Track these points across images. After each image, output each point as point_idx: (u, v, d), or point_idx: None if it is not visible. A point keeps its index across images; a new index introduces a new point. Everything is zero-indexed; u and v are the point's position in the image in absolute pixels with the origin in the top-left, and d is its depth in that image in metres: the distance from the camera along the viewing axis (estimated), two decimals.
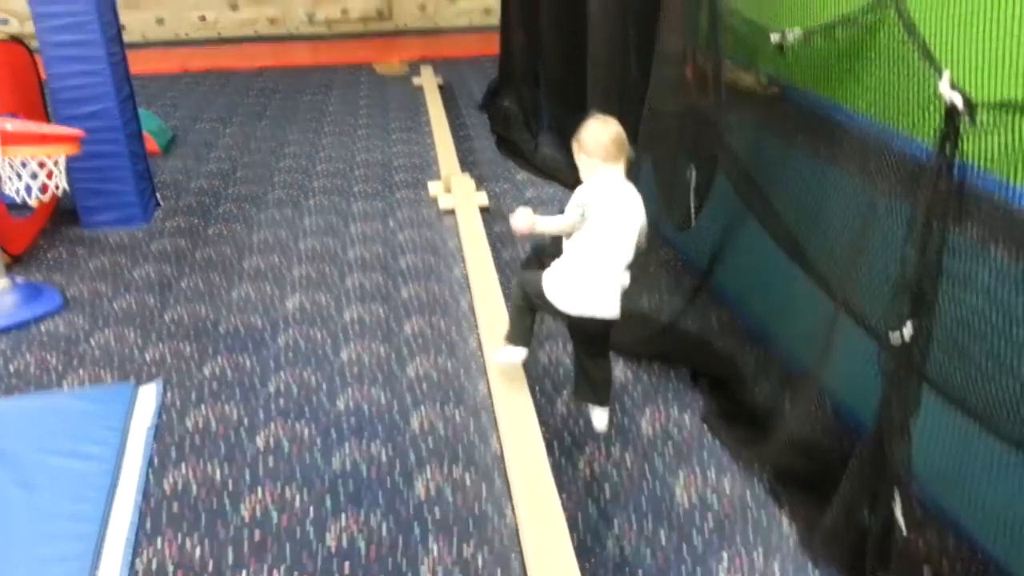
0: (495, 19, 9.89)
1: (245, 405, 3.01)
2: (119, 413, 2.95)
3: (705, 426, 2.78)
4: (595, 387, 2.68)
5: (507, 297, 3.52)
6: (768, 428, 2.63)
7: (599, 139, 2.52)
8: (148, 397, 3.08)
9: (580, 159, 2.59)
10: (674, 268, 3.69)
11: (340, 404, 2.99)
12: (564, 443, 2.74)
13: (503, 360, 2.82)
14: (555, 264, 2.58)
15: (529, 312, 2.72)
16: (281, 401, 3.02)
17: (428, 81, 7.32)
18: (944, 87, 1.60)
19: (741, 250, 2.94)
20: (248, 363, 3.27)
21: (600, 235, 2.48)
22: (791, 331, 2.83)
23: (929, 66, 1.66)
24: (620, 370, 3.13)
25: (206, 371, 3.23)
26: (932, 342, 1.78)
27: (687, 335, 3.20)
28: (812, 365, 2.36)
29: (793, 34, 2.14)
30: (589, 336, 2.62)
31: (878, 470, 1.95)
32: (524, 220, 2.54)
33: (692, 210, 2.88)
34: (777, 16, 2.41)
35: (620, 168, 2.54)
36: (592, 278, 2.49)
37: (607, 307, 2.51)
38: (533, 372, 3.12)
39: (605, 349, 2.67)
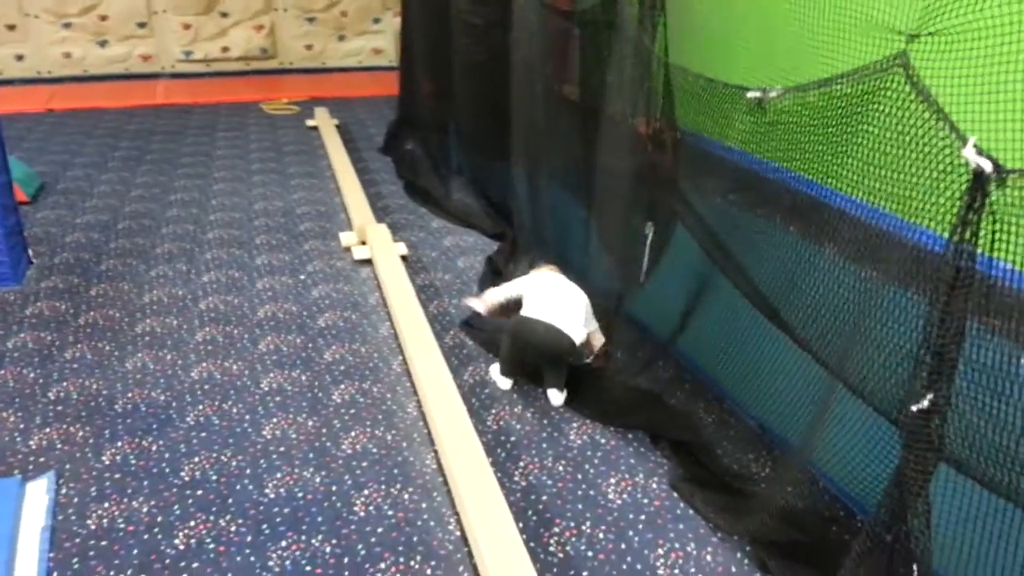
0: (386, 59, 9.75)
1: (156, 498, 2.63)
2: (5, 516, 2.51)
3: (675, 493, 2.63)
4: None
5: (446, 353, 3.31)
6: (743, 495, 2.51)
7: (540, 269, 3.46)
8: (38, 494, 2.64)
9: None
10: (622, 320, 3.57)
11: (269, 491, 2.66)
12: (529, 521, 2.53)
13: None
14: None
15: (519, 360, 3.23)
16: (199, 491, 2.66)
17: (324, 123, 7.00)
18: (969, 152, 1.52)
19: (703, 310, 2.84)
20: (154, 447, 2.88)
21: (544, 295, 3.18)
22: (758, 394, 2.74)
23: (948, 133, 1.59)
24: (575, 435, 2.95)
25: (105, 459, 2.81)
26: (950, 415, 1.69)
27: (640, 393, 3.06)
28: (799, 436, 2.26)
29: (776, 91, 2.05)
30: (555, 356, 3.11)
31: (891, 546, 1.84)
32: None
33: (645, 266, 2.76)
34: (748, 75, 2.34)
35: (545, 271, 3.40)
36: (554, 312, 3.11)
37: (572, 329, 3.07)
38: (483, 439, 2.90)
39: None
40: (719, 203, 2.63)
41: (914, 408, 1.71)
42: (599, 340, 3.30)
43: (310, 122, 7.26)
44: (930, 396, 1.70)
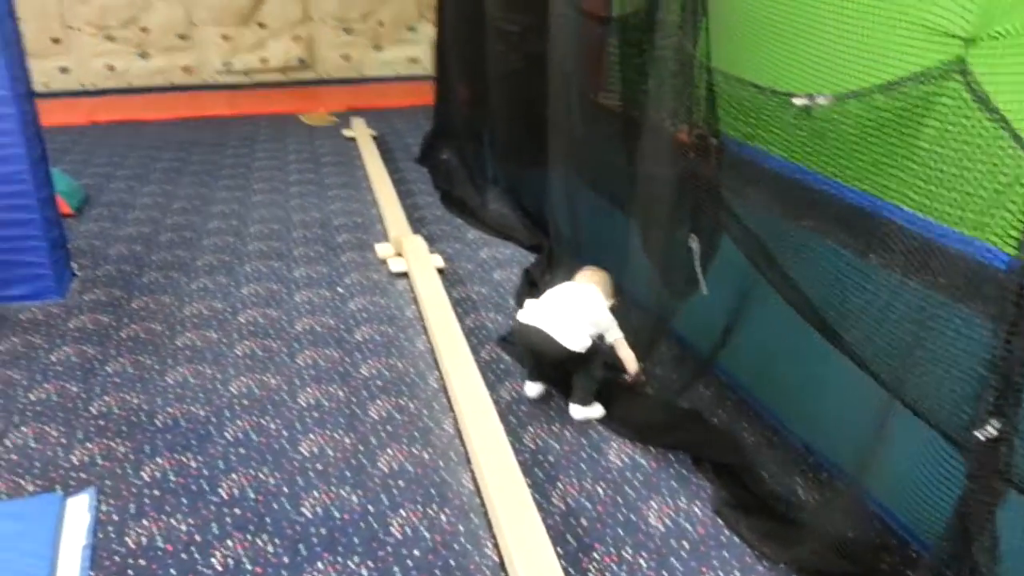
0: (422, 68, 9.77)
1: (195, 516, 2.62)
2: (46, 532, 2.51)
3: (719, 519, 2.56)
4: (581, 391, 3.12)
5: (482, 368, 3.28)
6: (790, 522, 2.43)
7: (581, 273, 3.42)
8: (79, 510, 2.65)
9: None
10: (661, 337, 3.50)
11: (306, 510, 2.64)
12: (568, 546, 2.47)
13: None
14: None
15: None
16: (236, 509, 2.65)
17: (362, 133, 7.03)
18: None
19: (747, 324, 2.76)
20: (193, 463, 2.88)
21: (546, 301, 3.17)
22: (805, 413, 2.66)
23: (1011, 142, 1.51)
24: (615, 455, 2.89)
25: (144, 475, 2.82)
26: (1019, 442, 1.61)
27: (682, 412, 2.99)
28: (849, 459, 2.18)
29: (824, 98, 1.98)
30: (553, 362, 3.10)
31: None
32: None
33: (701, 278, 2.69)
34: (790, 80, 2.27)
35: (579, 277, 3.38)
36: (547, 318, 3.06)
37: (566, 338, 2.99)
38: (520, 458, 2.85)
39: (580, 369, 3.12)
40: (765, 213, 2.55)
41: (979, 435, 1.63)
42: (628, 355, 3.18)
43: (347, 132, 7.29)
44: (997, 422, 1.61)
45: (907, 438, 2.01)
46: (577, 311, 3.08)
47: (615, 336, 3.17)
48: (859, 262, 2.14)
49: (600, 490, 2.71)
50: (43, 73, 8.93)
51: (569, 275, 3.68)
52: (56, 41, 8.93)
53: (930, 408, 1.81)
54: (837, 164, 2.21)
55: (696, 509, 2.61)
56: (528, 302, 3.21)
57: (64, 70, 9.04)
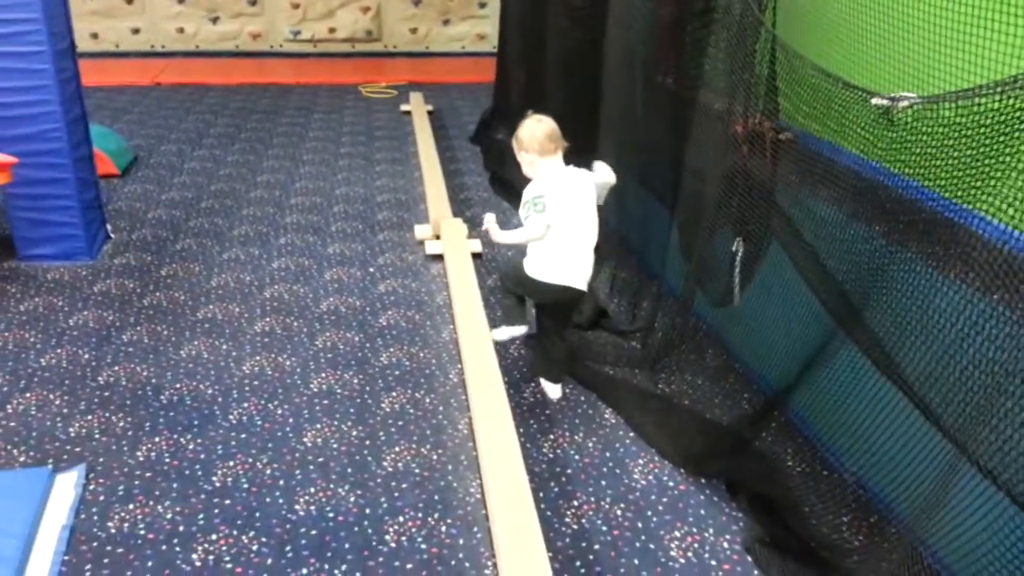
0: (489, 45, 9.52)
1: (183, 503, 2.46)
2: (27, 510, 2.38)
3: (749, 557, 2.26)
4: (551, 364, 3.01)
5: (508, 366, 3.05)
6: (829, 568, 2.12)
7: (535, 135, 2.76)
8: (66, 488, 2.52)
9: (520, 156, 2.84)
10: (701, 342, 3.20)
11: (299, 508, 2.45)
12: (576, 574, 2.22)
13: (504, 338, 3.04)
14: (534, 251, 2.81)
15: (517, 298, 2.99)
16: (227, 500, 2.47)
17: (417, 108, 6.83)
18: None
19: (797, 338, 2.44)
20: (191, 445, 2.72)
21: (564, 219, 2.72)
22: (861, 444, 2.34)
23: None
24: (640, 473, 2.62)
25: (139, 454, 2.67)
26: None
27: (721, 434, 2.69)
28: (907, 504, 1.86)
29: (908, 99, 1.65)
30: (561, 310, 2.94)
31: None
32: (490, 228, 2.88)
33: (737, 287, 2.39)
34: (874, 75, 1.93)
35: (558, 158, 2.79)
36: (571, 255, 2.75)
37: (582, 279, 2.79)
38: (536, 468, 2.61)
39: (567, 325, 3.05)
40: (826, 216, 2.23)
41: None
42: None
43: (404, 107, 7.10)
44: None
45: (978, 491, 1.69)
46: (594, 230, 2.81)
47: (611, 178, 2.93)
48: (934, 278, 1.82)
49: (619, 512, 2.44)
50: (115, 32, 9.02)
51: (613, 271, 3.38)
52: (130, 2, 8.98)
53: (998, 468, 1.49)
54: (921, 168, 1.88)
55: (724, 543, 2.32)
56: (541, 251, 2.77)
57: (136, 31, 9.10)
